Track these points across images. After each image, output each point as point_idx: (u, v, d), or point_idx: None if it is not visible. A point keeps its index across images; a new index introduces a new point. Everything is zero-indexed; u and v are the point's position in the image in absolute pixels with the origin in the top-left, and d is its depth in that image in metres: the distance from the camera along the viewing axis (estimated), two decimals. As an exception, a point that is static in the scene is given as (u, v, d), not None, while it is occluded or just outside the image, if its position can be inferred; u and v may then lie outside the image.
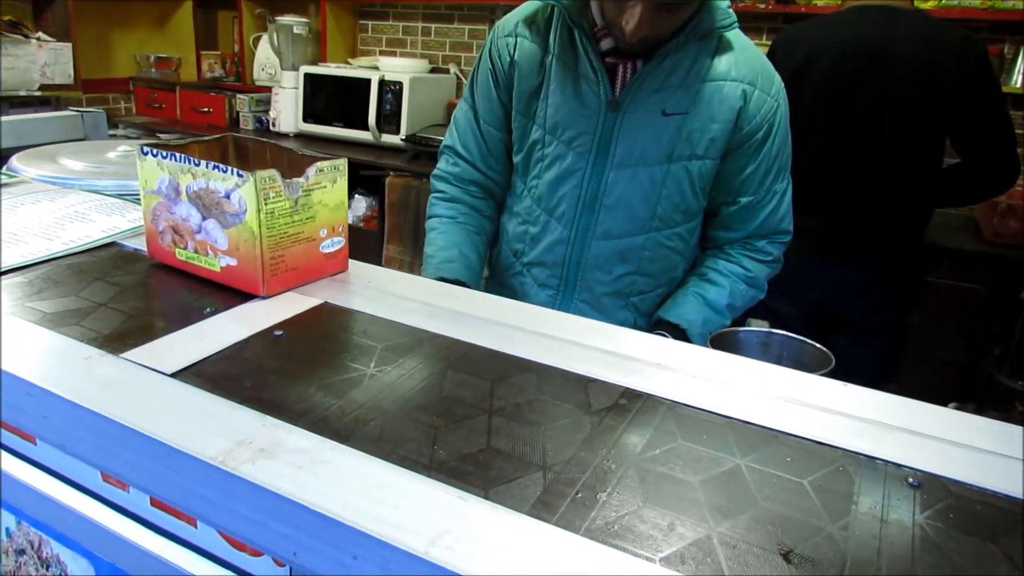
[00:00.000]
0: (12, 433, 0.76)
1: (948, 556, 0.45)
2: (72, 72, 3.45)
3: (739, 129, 1.15)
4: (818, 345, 0.90)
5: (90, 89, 3.87)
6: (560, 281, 1.26)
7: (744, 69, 1.14)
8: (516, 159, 1.29)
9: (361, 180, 3.33)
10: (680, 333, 1.17)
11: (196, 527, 0.64)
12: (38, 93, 3.33)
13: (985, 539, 0.47)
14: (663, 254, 1.23)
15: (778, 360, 0.93)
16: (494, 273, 1.40)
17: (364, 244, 3.22)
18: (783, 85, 1.19)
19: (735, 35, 1.15)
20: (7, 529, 0.83)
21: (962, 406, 2.00)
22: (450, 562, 0.41)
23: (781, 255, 1.28)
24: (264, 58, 3.83)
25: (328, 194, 0.79)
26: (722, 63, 1.13)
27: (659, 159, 1.15)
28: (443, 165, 1.36)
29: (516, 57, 1.21)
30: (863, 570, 0.44)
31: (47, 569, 0.80)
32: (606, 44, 1.13)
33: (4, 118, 1.49)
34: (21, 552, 0.82)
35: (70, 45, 3.46)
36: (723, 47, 1.14)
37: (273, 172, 0.72)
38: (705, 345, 1.08)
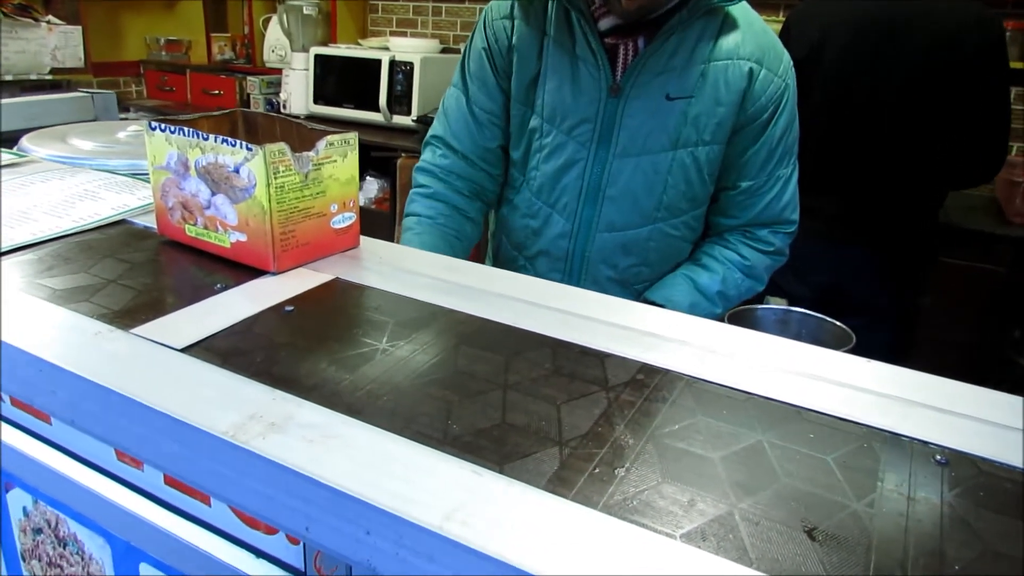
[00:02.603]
0: (27, 413, 0.75)
1: (978, 534, 0.44)
2: (83, 55, 3.43)
3: (744, 110, 1.09)
4: (838, 323, 0.89)
5: (101, 72, 3.87)
6: (563, 275, 1.21)
7: (751, 47, 1.08)
8: (514, 151, 1.22)
9: (372, 162, 3.31)
10: None
11: (210, 506, 0.64)
12: (49, 77, 3.32)
13: (1016, 517, 0.46)
14: (669, 243, 1.19)
15: (796, 338, 0.92)
16: (496, 267, 1.35)
17: (376, 226, 3.21)
18: (792, 64, 1.13)
19: (741, 9, 1.10)
20: (24, 508, 0.83)
21: (980, 388, 1.97)
22: (465, 537, 0.40)
23: (785, 247, 1.21)
24: (274, 40, 3.81)
25: (339, 168, 0.78)
26: (728, 41, 1.08)
27: (664, 146, 1.10)
28: (429, 157, 1.26)
29: (515, 42, 1.15)
30: (890, 548, 0.42)
31: (64, 548, 0.80)
32: (605, 24, 1.08)
33: (15, 100, 1.49)
34: (39, 531, 0.82)
35: (80, 28, 3.44)
36: (728, 24, 1.08)
37: (283, 145, 0.71)
38: None
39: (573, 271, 1.21)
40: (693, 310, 1.13)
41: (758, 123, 1.10)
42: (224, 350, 0.60)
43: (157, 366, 0.57)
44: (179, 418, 0.50)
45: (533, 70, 1.15)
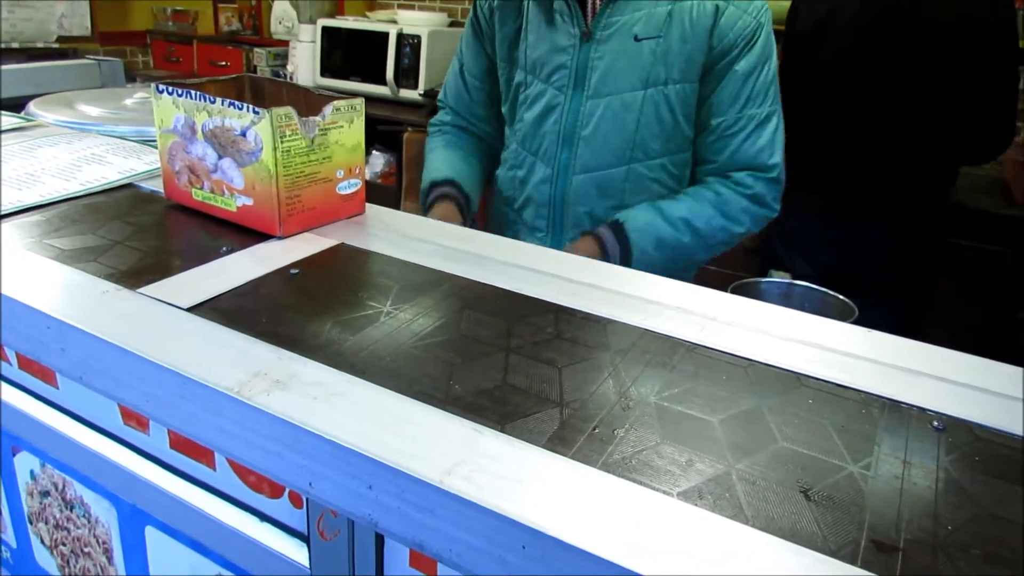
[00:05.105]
0: (34, 376, 0.76)
1: (973, 498, 0.44)
2: (89, 24, 3.43)
3: (712, 48, 1.12)
4: (840, 296, 0.89)
5: (107, 42, 3.85)
6: (548, 222, 1.25)
7: None
8: (504, 108, 1.31)
9: (379, 136, 3.29)
10: (618, 227, 1.13)
11: (215, 469, 0.65)
12: (56, 45, 3.31)
13: (1011, 482, 0.46)
14: (645, 185, 1.19)
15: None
16: (490, 229, 1.39)
17: (382, 200, 3.15)
18: (768, 8, 1.14)
19: None
20: (31, 471, 0.84)
21: (983, 369, 1.96)
22: (466, 491, 0.41)
23: (767, 196, 1.17)
24: (281, 11, 3.78)
25: (345, 134, 0.78)
26: None
27: (634, 85, 1.14)
28: (438, 115, 1.43)
29: (495, 3, 1.24)
30: (885, 508, 0.43)
31: (71, 510, 0.81)
32: None
33: (21, 66, 1.49)
34: (45, 494, 0.84)
35: (87, -4, 3.43)
36: None
37: (289, 109, 0.71)
38: (655, 262, 1.08)
39: (555, 216, 1.24)
40: (651, 228, 1.12)
41: (726, 60, 1.12)
42: (230, 310, 0.60)
43: (164, 324, 0.57)
44: (185, 374, 0.51)
45: (513, 27, 1.22)
